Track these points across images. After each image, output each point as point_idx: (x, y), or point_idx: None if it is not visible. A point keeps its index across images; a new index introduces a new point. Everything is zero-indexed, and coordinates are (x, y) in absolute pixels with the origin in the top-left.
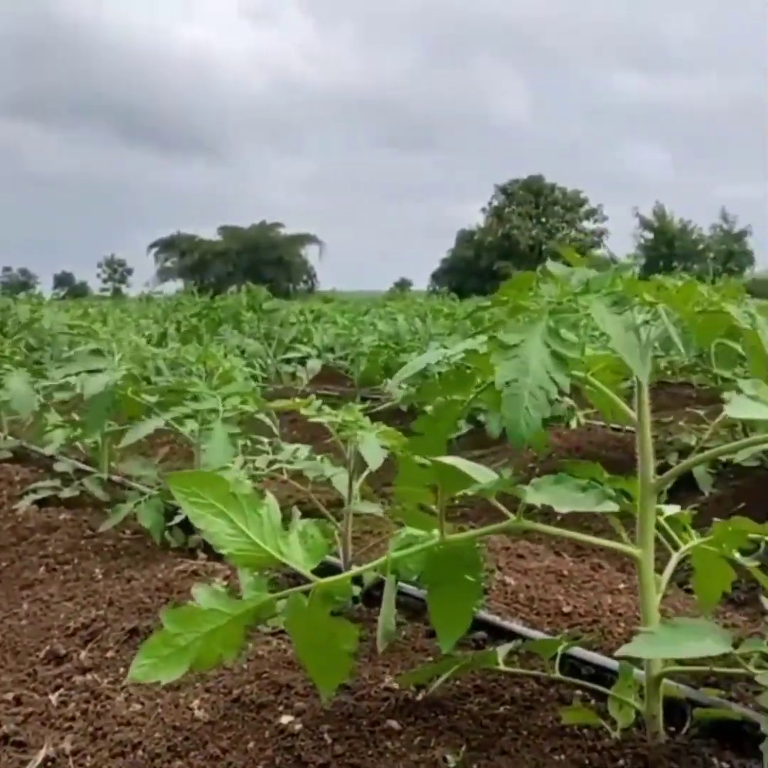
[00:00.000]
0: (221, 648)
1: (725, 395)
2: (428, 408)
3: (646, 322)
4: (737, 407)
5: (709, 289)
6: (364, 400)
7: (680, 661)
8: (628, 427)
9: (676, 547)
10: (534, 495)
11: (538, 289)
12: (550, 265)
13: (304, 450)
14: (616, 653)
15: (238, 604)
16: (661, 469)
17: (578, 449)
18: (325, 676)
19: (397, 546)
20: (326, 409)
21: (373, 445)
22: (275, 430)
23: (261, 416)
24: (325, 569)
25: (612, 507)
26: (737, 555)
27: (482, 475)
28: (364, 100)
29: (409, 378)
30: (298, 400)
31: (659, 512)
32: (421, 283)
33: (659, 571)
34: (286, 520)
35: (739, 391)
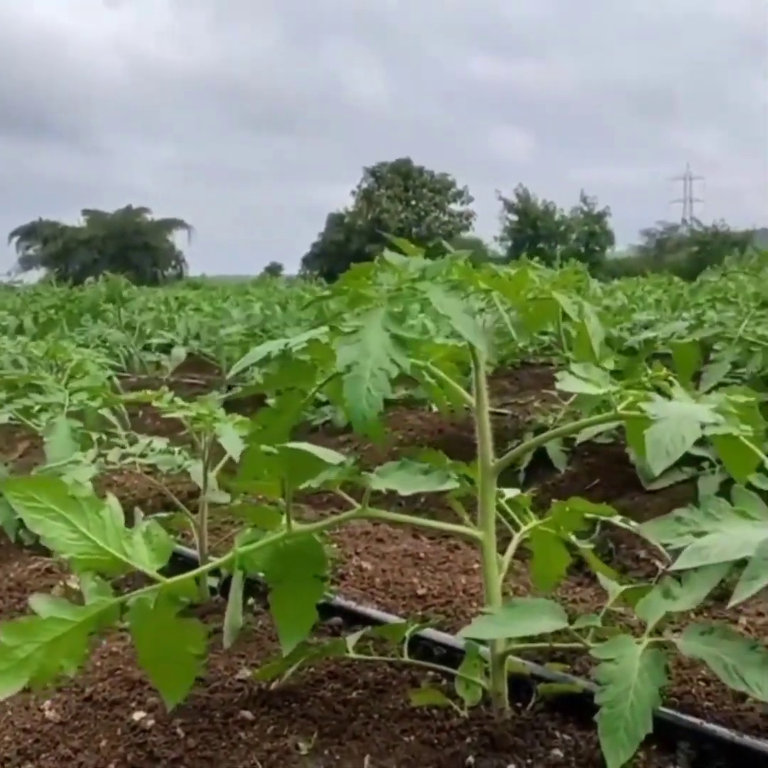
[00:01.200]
0: (64, 658)
1: (557, 374)
2: (270, 400)
3: (483, 309)
4: (566, 383)
5: (542, 277)
6: (230, 388)
7: (524, 638)
8: (491, 408)
9: (517, 529)
10: (378, 481)
11: (377, 278)
12: (388, 254)
13: (158, 442)
14: (456, 636)
15: (81, 610)
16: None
17: (441, 431)
18: (171, 683)
19: (244, 541)
20: (178, 401)
21: (232, 435)
22: (127, 422)
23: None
24: (183, 563)
25: (453, 485)
26: (573, 537)
27: (331, 457)
28: (223, 82)
29: (257, 365)
30: (150, 391)
31: (500, 495)
32: (293, 267)
33: (505, 551)
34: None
35: (570, 371)
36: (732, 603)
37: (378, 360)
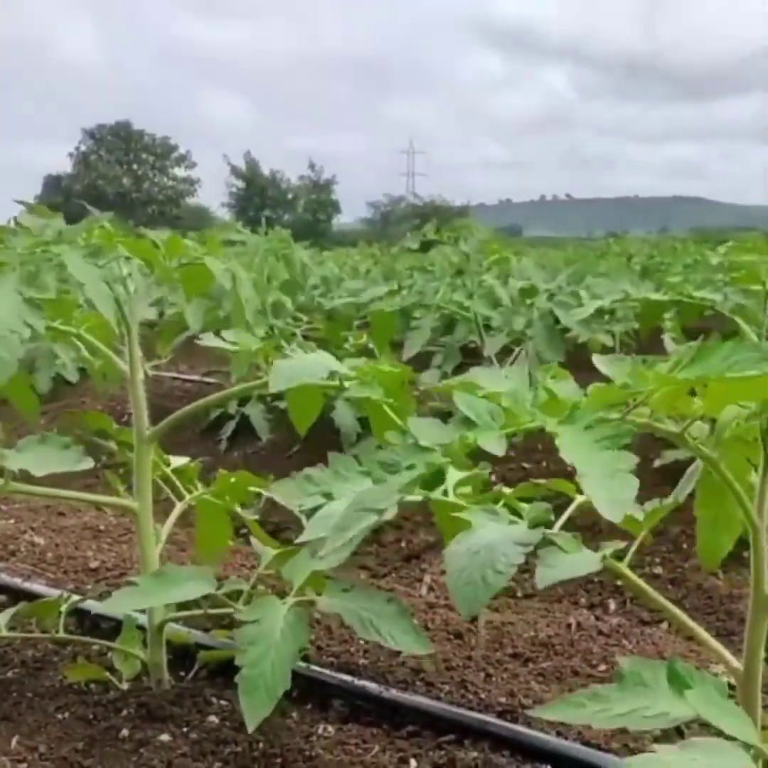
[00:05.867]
0: None
1: (202, 335)
2: None
3: (130, 274)
4: (206, 339)
5: (196, 244)
6: None
7: (182, 607)
8: (197, 377)
9: (181, 498)
10: (15, 459)
11: (10, 241)
12: (23, 217)
13: None
14: (97, 610)
15: None
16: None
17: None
18: None
19: None
20: None
21: None
22: None
23: None
24: None
25: (89, 464)
26: (239, 508)
27: None
28: None
29: None
30: None
31: (167, 463)
32: None
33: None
34: None
35: (217, 334)
36: (324, 551)
37: (9, 323)
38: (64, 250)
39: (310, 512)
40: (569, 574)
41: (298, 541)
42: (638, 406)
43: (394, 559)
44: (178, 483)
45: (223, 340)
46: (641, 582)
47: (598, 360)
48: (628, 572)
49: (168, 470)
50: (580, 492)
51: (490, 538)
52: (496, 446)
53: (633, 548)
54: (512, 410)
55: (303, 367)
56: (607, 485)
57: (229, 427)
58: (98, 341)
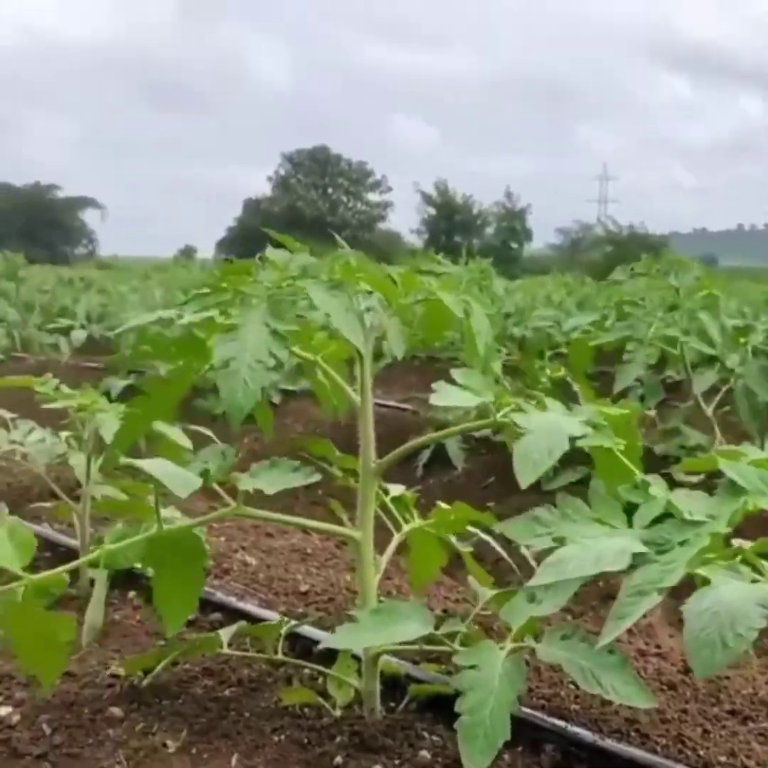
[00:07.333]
0: None
1: (433, 386)
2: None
3: (368, 309)
4: (440, 396)
5: (429, 279)
6: (131, 373)
7: None
8: (394, 403)
9: (399, 528)
10: (248, 481)
11: (258, 275)
12: (270, 252)
13: (38, 431)
14: (319, 646)
15: None
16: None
17: (344, 425)
18: (43, 669)
19: (113, 538)
20: (64, 388)
21: (113, 426)
22: None
23: None
24: (65, 553)
25: (316, 477)
26: (453, 538)
27: (180, 480)
28: (118, 56)
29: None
30: (32, 376)
31: (386, 492)
32: (209, 250)
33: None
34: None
35: (451, 380)
36: (600, 643)
37: (256, 354)
38: (309, 283)
39: (541, 554)
40: None
41: (528, 584)
42: None
43: (589, 598)
44: (395, 512)
45: (458, 386)
46: None
47: None
48: None
49: (387, 499)
50: None
51: (730, 598)
52: None
53: None
54: None
55: (547, 450)
56: None
57: (425, 455)
58: (333, 369)
